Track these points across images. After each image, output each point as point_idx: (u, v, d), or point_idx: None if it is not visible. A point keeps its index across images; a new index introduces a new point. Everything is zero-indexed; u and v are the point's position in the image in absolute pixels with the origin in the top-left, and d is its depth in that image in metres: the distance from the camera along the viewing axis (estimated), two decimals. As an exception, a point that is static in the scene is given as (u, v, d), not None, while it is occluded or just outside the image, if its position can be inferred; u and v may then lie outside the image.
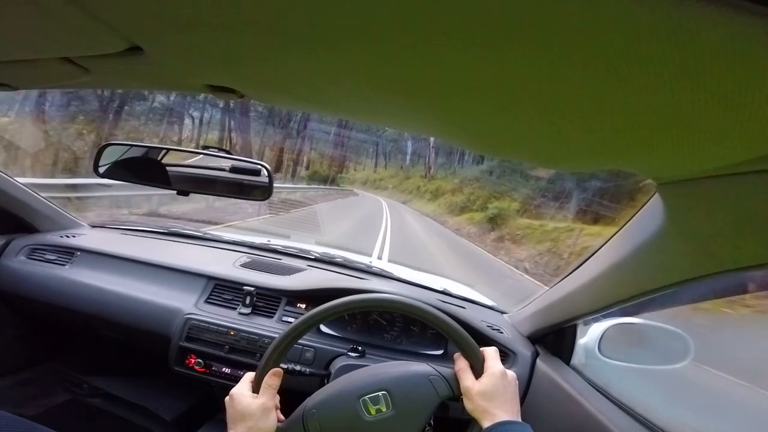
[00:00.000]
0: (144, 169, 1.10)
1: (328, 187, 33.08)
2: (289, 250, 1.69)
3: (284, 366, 1.06)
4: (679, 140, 0.40)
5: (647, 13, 0.24)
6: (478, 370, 0.82)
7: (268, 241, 1.78)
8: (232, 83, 0.63)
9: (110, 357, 1.75)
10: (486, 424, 0.76)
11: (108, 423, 1.60)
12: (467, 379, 0.81)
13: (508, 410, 0.78)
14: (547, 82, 0.35)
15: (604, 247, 0.91)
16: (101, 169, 1.08)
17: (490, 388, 0.79)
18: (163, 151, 1.12)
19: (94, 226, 1.72)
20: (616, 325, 1.12)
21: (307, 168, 37.40)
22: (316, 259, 1.65)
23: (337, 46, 0.38)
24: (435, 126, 0.60)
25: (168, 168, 1.09)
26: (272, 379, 0.81)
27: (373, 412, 0.80)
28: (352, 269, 1.61)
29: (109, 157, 1.09)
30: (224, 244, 1.68)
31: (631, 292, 0.83)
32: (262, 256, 1.60)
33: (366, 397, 0.81)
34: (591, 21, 0.26)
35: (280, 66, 0.49)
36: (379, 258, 6.23)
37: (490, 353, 0.84)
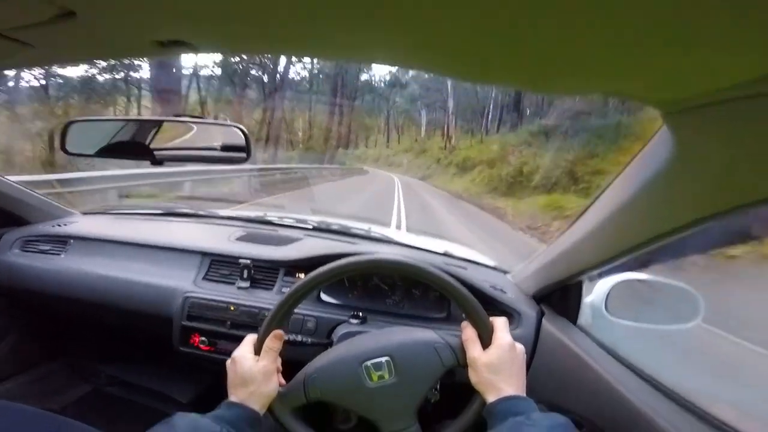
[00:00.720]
0: (113, 142, 1.06)
1: (329, 166, 29.51)
2: (284, 221, 1.66)
3: (286, 337, 1.05)
4: (683, 54, 0.36)
5: None
6: (485, 340, 0.79)
7: (264, 213, 1.74)
8: (181, 34, 0.57)
9: (119, 344, 1.78)
10: (491, 398, 0.74)
11: (129, 410, 1.63)
12: (474, 349, 0.78)
13: (513, 384, 0.75)
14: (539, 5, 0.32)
15: (606, 191, 0.83)
16: (69, 147, 1.03)
17: (497, 360, 0.76)
18: (131, 123, 1.07)
19: (85, 214, 1.70)
20: (623, 281, 1.06)
21: (307, 142, 34.82)
22: (313, 228, 1.61)
23: None
24: (408, 52, 0.53)
25: (141, 137, 1.04)
26: (273, 342, 0.81)
27: (375, 378, 0.79)
28: (350, 236, 1.57)
29: (75, 136, 1.04)
30: (218, 219, 1.66)
31: (640, 238, 0.76)
32: (258, 228, 1.57)
33: (368, 363, 0.79)
34: None
35: (235, 4, 0.43)
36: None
37: (500, 324, 0.81)
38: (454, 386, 0.85)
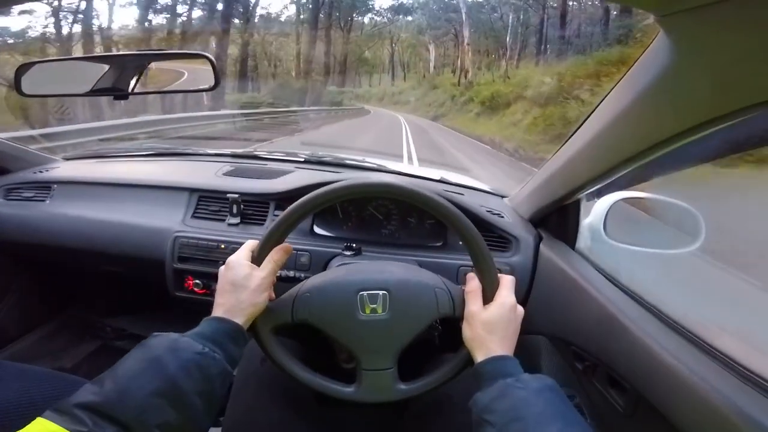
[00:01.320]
0: (72, 79, 1.00)
1: (319, 108, 25.29)
2: (274, 155, 1.61)
3: (279, 273, 1.03)
4: None
5: None
6: (488, 296, 0.76)
7: (254, 149, 1.70)
8: None
9: (122, 295, 1.79)
10: (480, 356, 0.71)
11: None
12: (475, 303, 0.75)
13: (505, 346, 0.72)
14: None
15: (603, 102, 0.77)
16: (25, 89, 0.98)
17: (497, 318, 0.73)
18: (90, 59, 1.01)
19: (67, 159, 1.66)
20: (622, 200, 1.00)
21: (296, 79, 31.45)
22: (304, 161, 1.56)
23: None
24: None
25: (100, 75, 0.98)
26: (279, 254, 0.77)
27: (367, 310, 0.77)
28: (344, 167, 1.52)
29: (31, 79, 1.00)
30: (205, 156, 1.62)
31: (638, 147, 0.71)
32: (246, 163, 1.52)
33: (365, 293, 0.77)
34: None
35: None
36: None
37: (506, 282, 0.77)
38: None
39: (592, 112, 0.82)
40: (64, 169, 1.51)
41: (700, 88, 0.55)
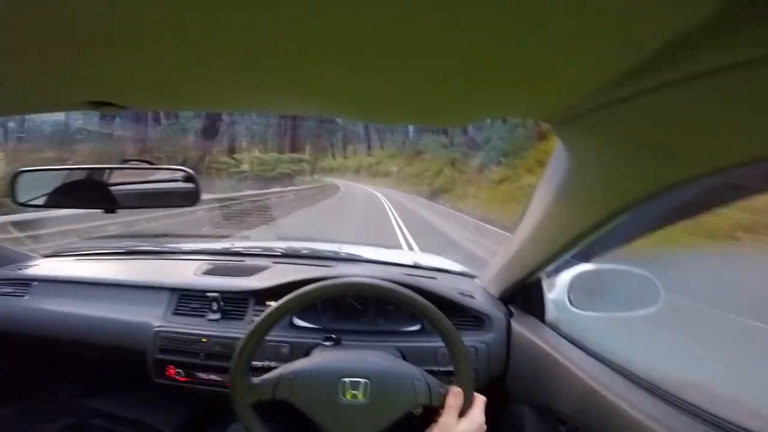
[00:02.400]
0: (64, 191, 1.06)
1: (284, 189, 20.66)
2: (251, 251, 1.65)
3: (260, 364, 1.04)
4: (544, 77, 0.42)
5: None
6: (463, 411, 0.82)
7: (230, 245, 1.74)
8: (108, 97, 0.62)
9: (99, 376, 1.74)
10: None
11: None
12: (452, 415, 0.81)
13: None
14: (407, 41, 0.36)
15: (533, 197, 0.89)
16: (19, 198, 1.03)
17: None
18: (82, 171, 1.07)
19: (46, 256, 1.68)
20: (581, 273, 1.09)
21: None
22: (281, 255, 1.61)
23: (206, 44, 0.39)
24: (316, 103, 0.60)
25: (90, 186, 1.04)
26: None
27: (348, 396, 0.80)
28: (319, 258, 1.57)
29: (25, 186, 1.04)
30: (183, 255, 1.65)
31: (567, 238, 0.81)
32: (224, 260, 1.57)
33: (347, 380, 0.81)
34: None
35: (153, 72, 0.48)
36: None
37: (479, 402, 0.85)
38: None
39: (528, 206, 0.94)
40: (43, 267, 1.52)
41: (597, 185, 0.64)
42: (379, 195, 23.69)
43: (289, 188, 21.30)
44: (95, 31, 0.36)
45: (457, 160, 24.16)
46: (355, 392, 0.80)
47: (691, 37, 0.32)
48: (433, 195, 23.06)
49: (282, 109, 0.66)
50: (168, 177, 1.07)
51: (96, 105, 0.64)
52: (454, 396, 0.82)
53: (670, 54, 0.34)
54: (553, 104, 0.50)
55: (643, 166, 0.53)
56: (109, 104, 0.64)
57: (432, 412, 0.83)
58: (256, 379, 0.82)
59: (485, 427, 0.82)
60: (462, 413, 0.81)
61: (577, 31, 0.32)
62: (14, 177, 1.03)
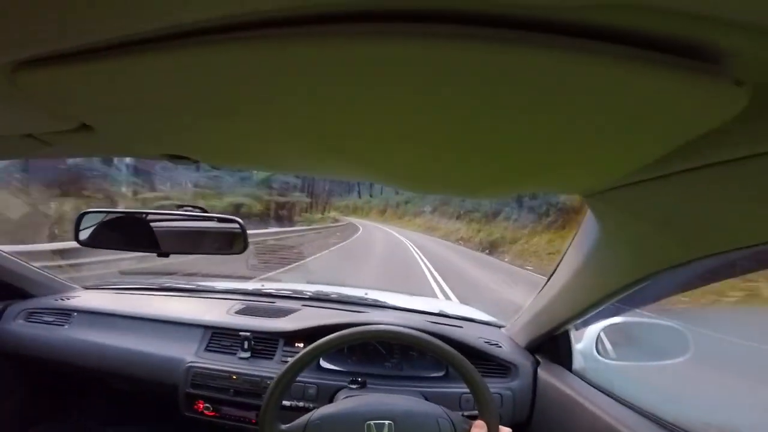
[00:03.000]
0: (124, 233, 1.13)
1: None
2: (282, 293, 1.70)
3: (288, 403, 1.07)
4: (584, 158, 0.45)
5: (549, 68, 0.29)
6: None
7: (262, 285, 1.79)
8: (185, 152, 0.67)
9: (125, 407, 1.75)
10: None
11: None
12: None
13: None
14: (459, 127, 0.39)
15: (564, 257, 0.94)
16: (82, 238, 1.10)
17: None
18: (141, 215, 1.15)
19: (87, 288, 1.74)
20: (610, 325, 1.12)
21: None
22: (310, 298, 1.66)
23: (284, 115, 0.42)
24: (376, 173, 0.64)
25: (148, 230, 1.11)
26: None
27: None
28: (347, 303, 1.61)
29: (88, 225, 1.12)
30: (217, 293, 1.70)
31: (596, 297, 0.86)
32: (256, 301, 1.61)
33: (372, 423, 0.83)
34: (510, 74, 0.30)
35: (230, 137, 0.52)
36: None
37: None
38: None
39: (559, 263, 0.99)
40: (84, 299, 1.58)
41: (626, 253, 0.69)
42: (408, 244, 17.45)
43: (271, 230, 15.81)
44: (186, 96, 0.40)
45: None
46: None
47: (722, 129, 0.35)
48: (492, 247, 18.00)
49: (340, 175, 0.72)
50: (218, 224, 1.13)
51: (173, 158, 0.70)
52: (478, 429, 0.83)
53: (703, 142, 0.38)
54: (589, 182, 0.55)
55: (668, 241, 0.58)
56: (185, 158, 0.70)
57: None
58: (284, 426, 0.85)
59: None
60: None
61: (621, 120, 0.35)
62: (79, 218, 1.11)
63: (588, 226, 0.77)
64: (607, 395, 1.01)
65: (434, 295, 6.67)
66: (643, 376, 1.08)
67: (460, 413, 0.89)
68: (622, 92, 0.31)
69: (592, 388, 1.05)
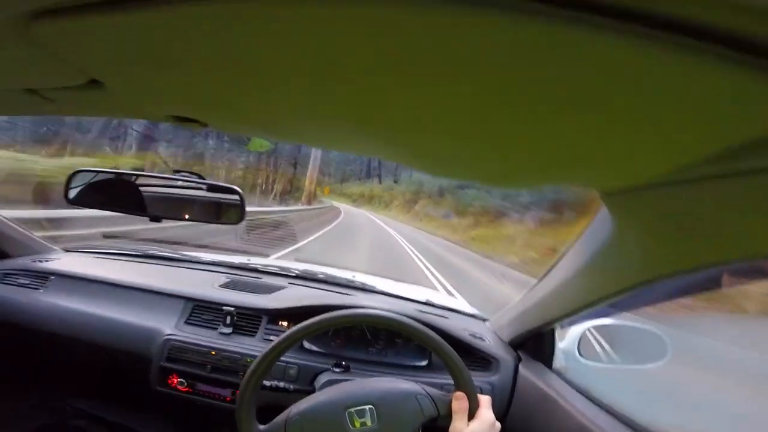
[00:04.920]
0: (115, 194, 1.10)
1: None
2: (268, 269, 1.68)
3: (267, 383, 1.06)
4: (612, 156, 0.44)
5: (567, 51, 0.27)
6: (471, 414, 0.84)
7: (248, 260, 1.77)
8: (195, 115, 0.65)
9: (93, 379, 1.71)
10: None
11: None
12: (461, 420, 0.83)
13: None
14: (490, 114, 0.38)
15: (567, 254, 0.94)
16: (72, 196, 1.07)
17: None
18: (134, 177, 1.12)
19: (68, 251, 1.69)
20: (594, 327, 1.14)
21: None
22: (297, 276, 1.64)
23: (297, 85, 0.41)
24: (391, 151, 0.62)
25: (140, 193, 1.08)
26: None
27: (357, 425, 0.81)
28: (334, 284, 1.60)
29: (79, 185, 1.08)
30: (203, 265, 1.67)
31: (593, 297, 0.86)
32: (242, 275, 1.59)
33: (352, 410, 0.82)
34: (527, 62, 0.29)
35: (244, 100, 0.50)
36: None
37: (485, 401, 0.86)
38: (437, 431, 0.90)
39: (558, 260, 0.99)
40: (63, 262, 1.53)
41: (637, 255, 0.68)
42: (394, 234, 16.73)
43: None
44: (196, 52, 0.38)
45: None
46: (363, 420, 0.82)
47: (762, 138, 0.34)
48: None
49: (362, 151, 0.70)
50: (215, 192, 1.10)
51: (180, 120, 0.68)
52: (458, 400, 0.84)
53: (745, 148, 0.36)
54: (614, 179, 0.54)
55: (681, 246, 0.58)
56: (192, 121, 0.67)
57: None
58: (263, 427, 0.84)
59: (498, 424, 0.84)
60: (471, 415, 0.83)
61: (657, 120, 0.34)
62: (70, 176, 1.07)
63: (597, 225, 0.76)
64: (585, 396, 1.03)
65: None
66: (623, 380, 1.11)
67: (436, 381, 0.90)
68: (676, 86, 0.29)
69: (570, 388, 1.07)
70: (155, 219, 1.04)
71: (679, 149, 0.39)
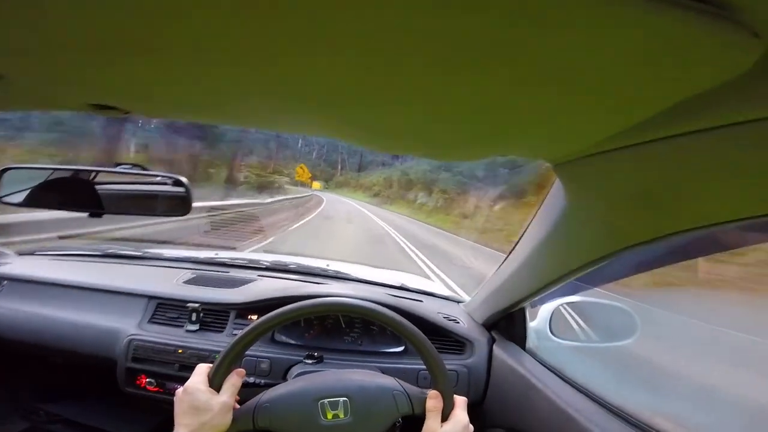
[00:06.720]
0: (51, 191, 1.03)
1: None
2: (236, 262, 1.63)
3: None
4: (557, 122, 0.42)
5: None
6: (445, 414, 0.82)
7: (215, 254, 1.71)
8: (112, 101, 0.61)
9: (64, 382, 1.68)
10: None
11: None
12: (435, 419, 0.81)
13: None
14: (436, 85, 0.36)
15: (527, 230, 0.91)
16: (5, 198, 1.00)
17: None
18: (71, 172, 1.05)
19: (21, 254, 1.62)
20: (563, 304, 1.12)
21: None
22: (266, 269, 1.59)
23: (225, 62, 0.38)
24: (332, 127, 0.59)
25: (78, 189, 1.01)
26: (236, 379, 0.81)
27: (330, 416, 0.79)
28: (306, 274, 1.56)
29: (10, 183, 1.01)
30: (166, 261, 1.61)
31: (557, 273, 0.83)
32: (208, 270, 1.54)
33: (325, 401, 0.80)
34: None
35: (159, 79, 0.47)
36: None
37: (460, 402, 0.84)
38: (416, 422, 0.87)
39: (520, 238, 0.96)
40: (16, 266, 1.47)
41: (592, 227, 0.66)
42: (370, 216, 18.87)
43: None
44: (104, 32, 0.35)
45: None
46: (336, 412, 0.79)
47: (715, 92, 0.32)
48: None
49: (293, 129, 0.66)
50: (160, 184, 1.04)
51: (98, 108, 0.63)
52: (433, 399, 0.82)
53: (690, 107, 0.34)
54: (562, 148, 0.51)
55: (643, 213, 0.55)
56: (112, 108, 0.62)
57: (414, 420, 0.83)
58: (233, 411, 0.80)
59: (471, 426, 0.82)
60: (445, 416, 0.81)
61: (600, 80, 0.32)
62: (0, 173, 1.00)
63: (554, 198, 0.73)
64: (558, 376, 1.01)
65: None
66: (595, 357, 1.10)
67: (417, 388, 0.87)
68: (623, 37, 0.27)
69: (543, 368, 1.05)
70: (95, 215, 0.98)
71: (626, 109, 0.37)
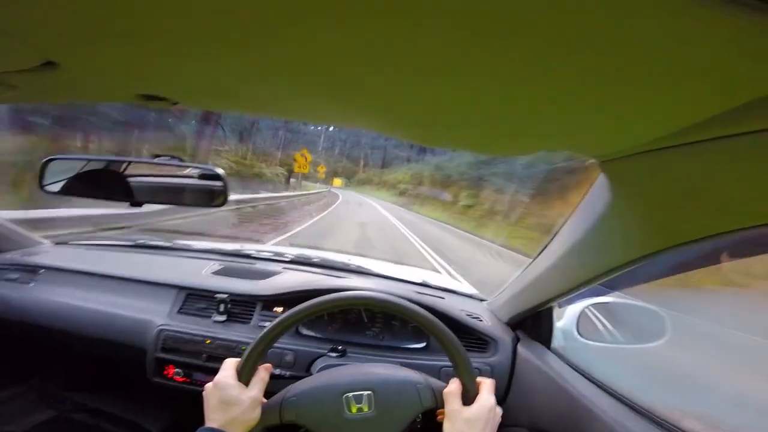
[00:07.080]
0: (93, 181, 1.06)
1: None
2: (262, 254, 1.65)
3: None
4: (611, 117, 0.41)
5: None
6: (470, 398, 0.81)
7: (241, 246, 1.74)
8: (161, 91, 0.62)
9: (90, 372, 1.72)
10: None
11: None
12: (455, 402, 0.80)
13: None
14: (478, 68, 0.35)
15: (562, 228, 0.90)
16: (47, 186, 1.03)
17: (477, 416, 0.78)
18: (112, 163, 1.08)
19: (57, 243, 1.67)
20: (592, 305, 1.11)
21: None
22: (291, 261, 1.62)
23: (262, 48, 0.38)
24: (374, 120, 0.60)
25: (119, 179, 1.04)
26: (264, 374, 0.82)
27: (354, 410, 0.80)
28: (329, 268, 1.58)
29: (54, 173, 1.04)
30: (194, 252, 1.64)
31: (593, 273, 0.82)
32: (235, 262, 1.57)
33: (350, 395, 0.81)
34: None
35: (208, 70, 0.48)
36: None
37: (487, 385, 0.83)
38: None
39: (554, 236, 0.95)
40: (52, 255, 1.52)
41: (637, 226, 0.64)
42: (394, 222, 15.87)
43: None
44: (156, 25, 0.36)
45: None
46: (360, 405, 0.80)
47: None
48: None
49: (337, 121, 0.66)
50: (197, 175, 1.06)
51: (147, 99, 0.64)
52: (454, 382, 0.82)
53: (749, 108, 0.34)
54: (613, 144, 0.51)
55: (690, 212, 0.54)
56: (161, 99, 0.64)
57: (434, 418, 0.83)
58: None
59: (499, 409, 0.81)
60: (469, 400, 0.80)
61: (668, 76, 0.31)
62: (44, 164, 1.03)
63: (595, 196, 0.71)
64: (585, 377, 1.00)
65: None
66: (622, 359, 1.08)
67: (440, 382, 0.88)
68: (699, 36, 0.26)
69: (569, 368, 1.05)
70: (135, 204, 1.01)
71: (682, 109, 0.37)
